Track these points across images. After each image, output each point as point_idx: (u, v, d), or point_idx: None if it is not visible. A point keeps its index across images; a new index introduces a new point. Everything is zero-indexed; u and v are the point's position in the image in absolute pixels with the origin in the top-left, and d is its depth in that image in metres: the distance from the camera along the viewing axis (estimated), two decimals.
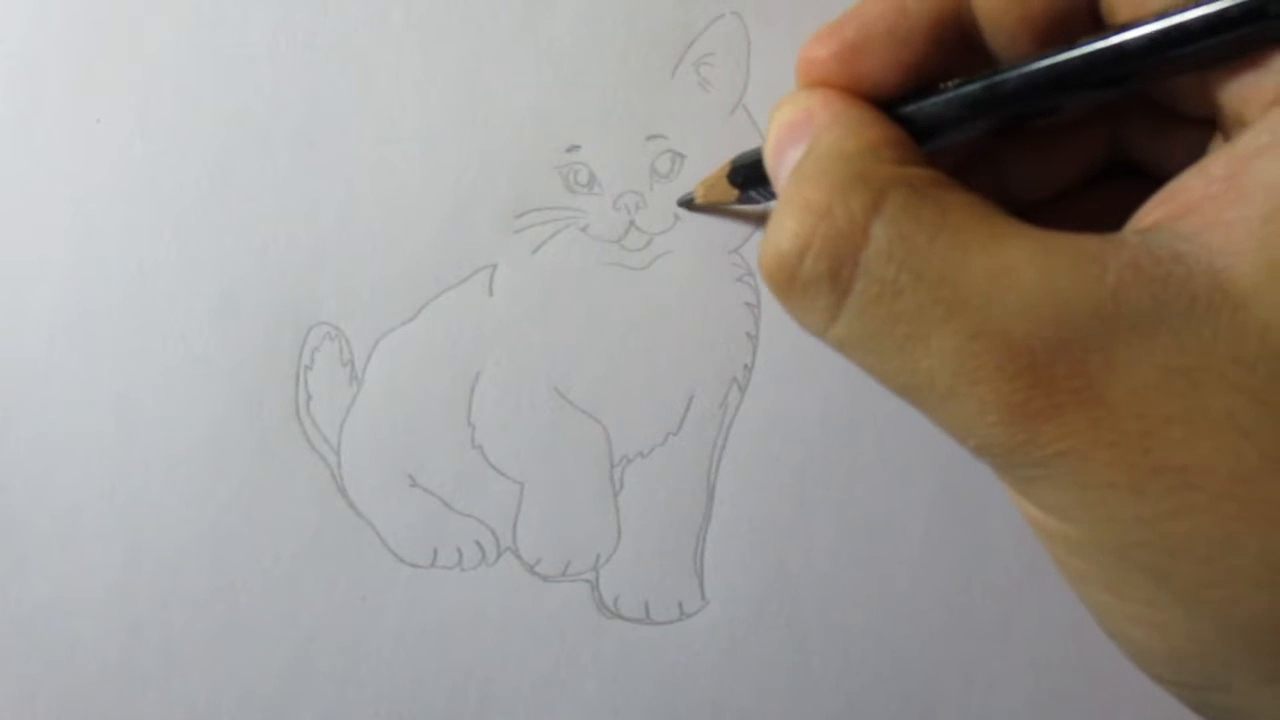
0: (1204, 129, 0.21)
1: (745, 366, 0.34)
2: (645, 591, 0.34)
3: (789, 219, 0.19)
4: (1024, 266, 0.17)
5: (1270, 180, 0.17)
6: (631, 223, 0.34)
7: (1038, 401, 0.17)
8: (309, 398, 0.34)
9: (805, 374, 0.34)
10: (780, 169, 0.22)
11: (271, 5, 0.33)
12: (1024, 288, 0.17)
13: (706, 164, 0.33)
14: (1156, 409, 0.17)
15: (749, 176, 0.29)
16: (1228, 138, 0.19)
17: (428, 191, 0.34)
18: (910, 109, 0.22)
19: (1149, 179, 0.22)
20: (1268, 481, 0.16)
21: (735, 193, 0.30)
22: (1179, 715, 0.35)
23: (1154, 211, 0.18)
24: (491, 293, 0.34)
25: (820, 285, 0.19)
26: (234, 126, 0.33)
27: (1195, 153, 0.20)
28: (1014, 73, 0.20)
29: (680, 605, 0.35)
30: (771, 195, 0.29)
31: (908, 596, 0.34)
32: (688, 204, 0.33)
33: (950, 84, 0.21)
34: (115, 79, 0.33)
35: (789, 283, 0.19)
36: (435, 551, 0.34)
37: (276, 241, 0.34)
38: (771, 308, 0.34)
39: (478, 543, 0.34)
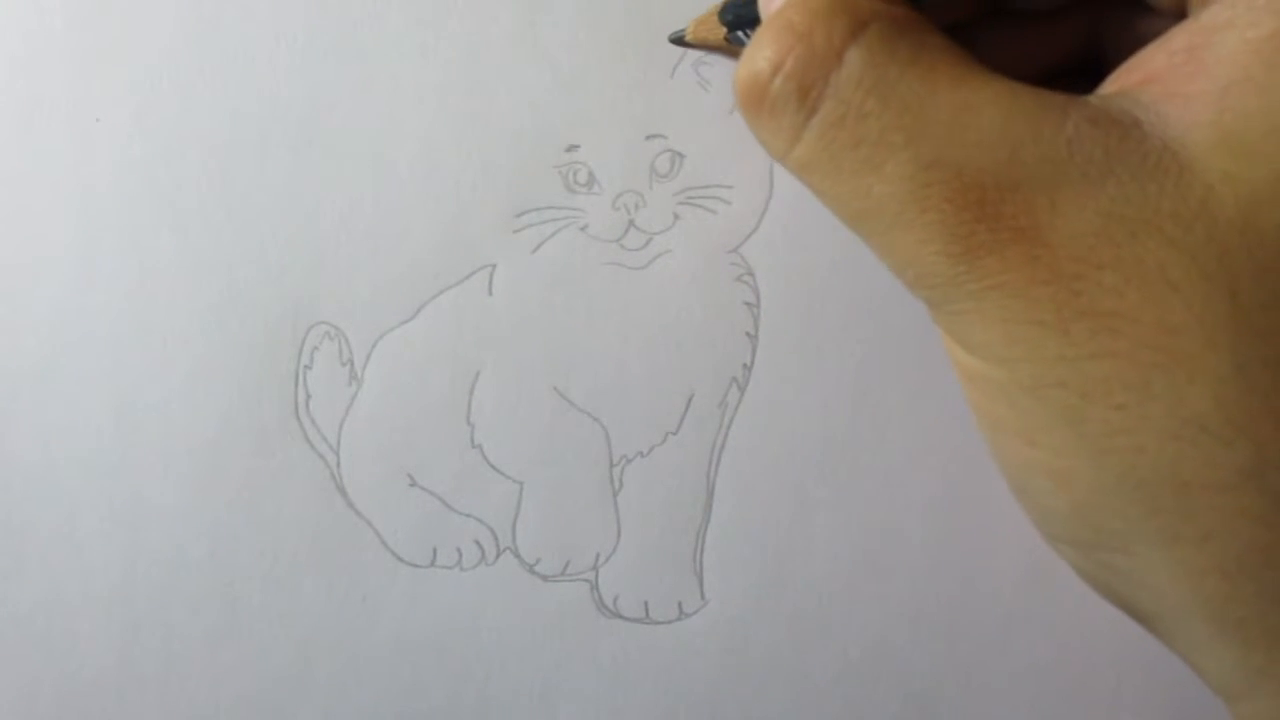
0: (1176, 21, 0.21)
1: (745, 366, 0.34)
2: (645, 591, 0.34)
3: (768, 38, 0.19)
4: (987, 106, 0.18)
5: (1228, 55, 0.17)
6: (631, 222, 0.34)
7: (981, 235, 0.18)
8: (308, 397, 0.34)
9: (805, 374, 0.34)
10: (772, 3, 0.22)
11: (271, 5, 0.33)
12: (984, 125, 0.18)
13: (706, 164, 0.33)
14: (1093, 254, 0.17)
15: (739, 15, 0.29)
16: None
17: (427, 191, 0.34)
18: None
19: None
20: (1188, 337, 0.17)
21: (723, 32, 0.30)
22: (1179, 715, 0.34)
23: (1117, 81, 0.19)
24: (491, 292, 0.34)
25: (788, 104, 0.19)
26: (234, 126, 0.33)
27: None
28: None
29: (680, 605, 0.35)
30: None
31: (908, 596, 0.34)
32: (679, 40, 0.33)
33: None
34: (115, 79, 0.33)
35: (759, 101, 0.20)
36: (435, 551, 0.34)
37: (276, 241, 0.34)
38: (771, 308, 0.34)
39: (477, 542, 0.34)
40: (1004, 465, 0.20)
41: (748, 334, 0.34)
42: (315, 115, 0.33)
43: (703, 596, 0.34)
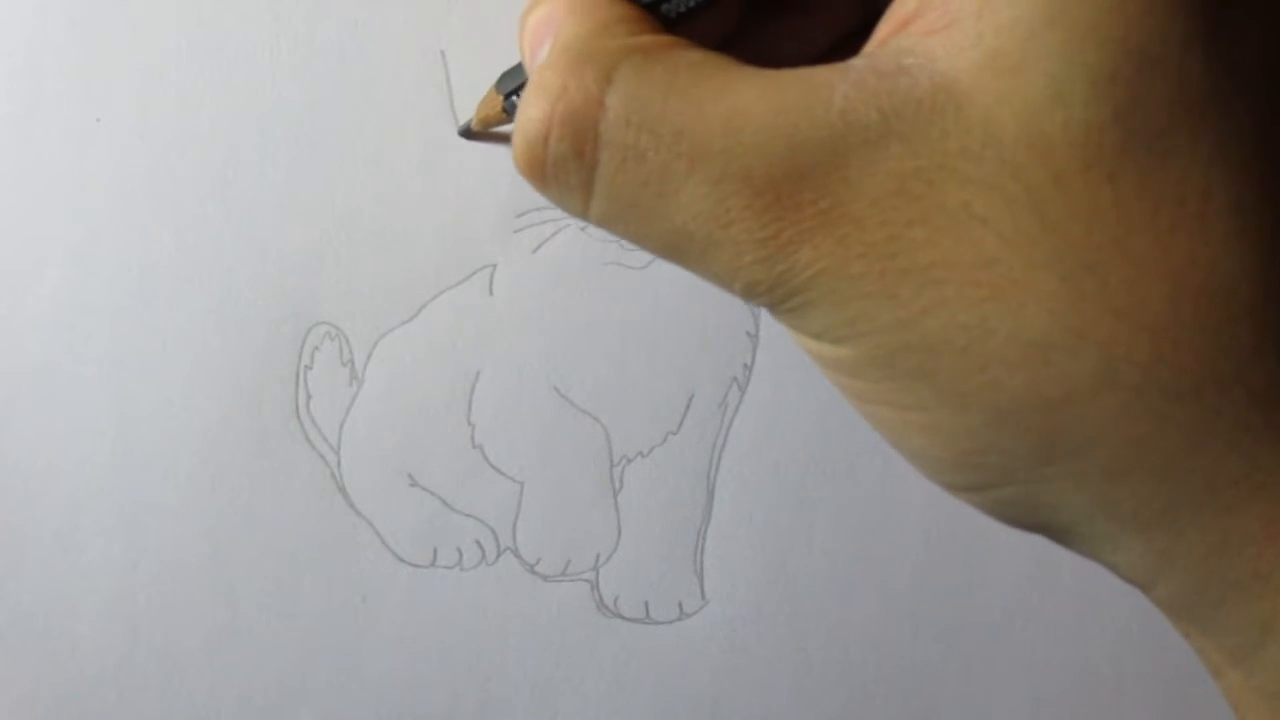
0: None
1: (745, 366, 0.34)
2: (645, 591, 0.34)
3: (531, 106, 0.19)
4: (755, 106, 0.18)
5: None
6: None
7: (787, 231, 0.18)
8: (309, 397, 0.34)
9: (805, 374, 0.34)
10: (534, 69, 0.22)
11: (271, 5, 0.33)
12: (756, 126, 0.18)
13: None
14: (898, 214, 0.17)
15: (516, 84, 0.29)
16: None
17: (427, 191, 0.34)
18: None
19: None
20: (1007, 263, 0.17)
21: (504, 108, 0.30)
22: (1180, 715, 0.35)
23: (879, 34, 0.19)
24: (491, 292, 0.34)
25: (568, 164, 0.19)
26: (234, 126, 0.33)
27: None
28: None
29: (680, 605, 0.35)
30: None
31: (908, 596, 0.34)
32: (467, 133, 0.33)
33: None
34: (115, 79, 0.33)
35: (540, 168, 0.20)
36: (435, 551, 0.34)
37: (276, 241, 0.34)
38: None
39: (478, 542, 0.34)
40: (879, 430, 0.20)
41: (748, 334, 0.34)
42: (315, 115, 0.33)
43: (703, 596, 0.34)
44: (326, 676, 0.34)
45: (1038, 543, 0.26)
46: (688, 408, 0.34)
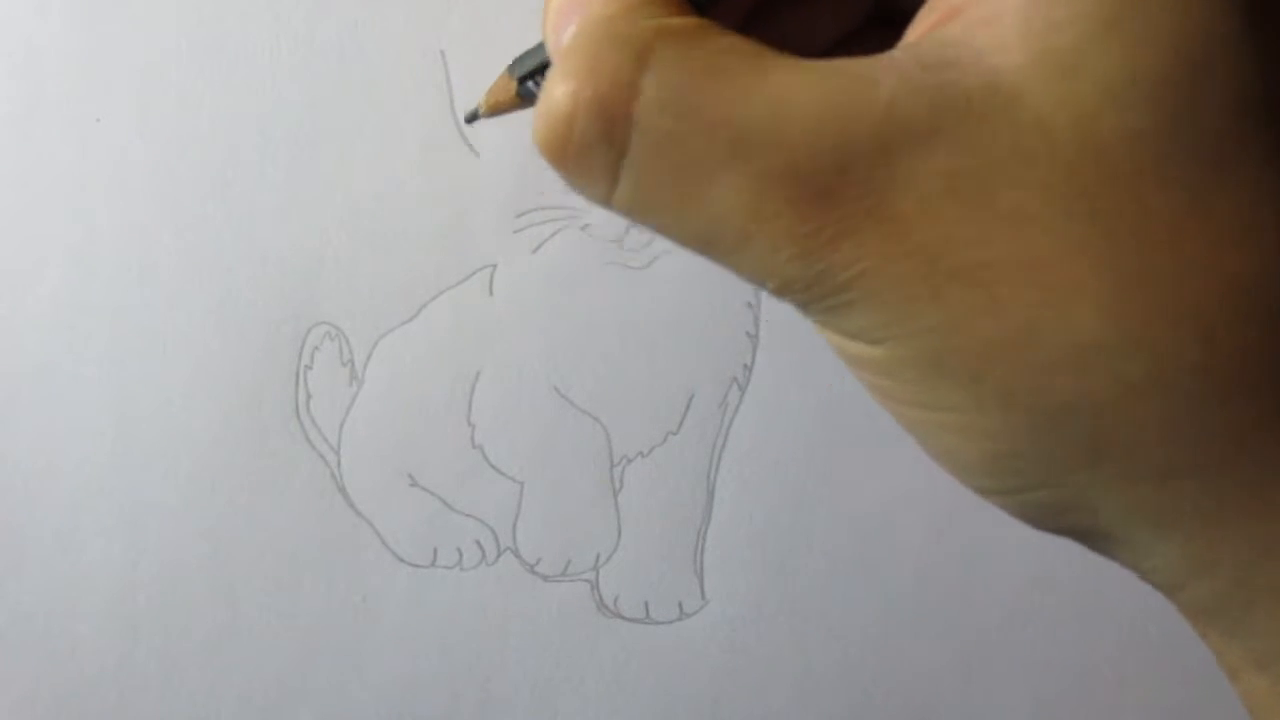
0: None
1: (745, 366, 0.34)
2: (645, 591, 0.34)
3: (557, 85, 0.19)
4: (799, 97, 0.17)
5: None
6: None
7: (830, 228, 0.17)
8: (309, 397, 0.34)
9: (805, 374, 0.34)
10: (560, 45, 0.22)
11: (271, 5, 0.33)
12: (802, 117, 0.17)
13: None
14: (946, 214, 0.17)
15: (531, 68, 0.29)
16: None
17: (427, 191, 0.34)
18: None
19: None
20: (1059, 265, 0.17)
21: (519, 93, 0.29)
22: (1180, 715, 0.35)
23: (921, 24, 0.18)
24: (491, 293, 0.34)
25: (596, 147, 0.19)
26: (234, 127, 0.33)
27: None
28: None
29: (680, 605, 0.35)
30: None
31: (908, 596, 0.34)
32: (474, 118, 0.33)
33: None
34: (115, 79, 0.33)
35: (563, 150, 0.19)
36: (435, 551, 0.34)
37: (276, 241, 0.34)
38: (772, 307, 0.34)
39: (478, 542, 0.34)
40: (910, 430, 0.20)
41: (748, 334, 0.34)
42: (315, 115, 0.33)
43: (703, 596, 0.34)
44: (326, 676, 0.34)
45: (1038, 543, 0.26)
46: (688, 408, 0.34)
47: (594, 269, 0.34)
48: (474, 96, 0.34)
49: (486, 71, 0.35)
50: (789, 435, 0.34)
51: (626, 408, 0.34)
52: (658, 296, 0.34)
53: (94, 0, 0.33)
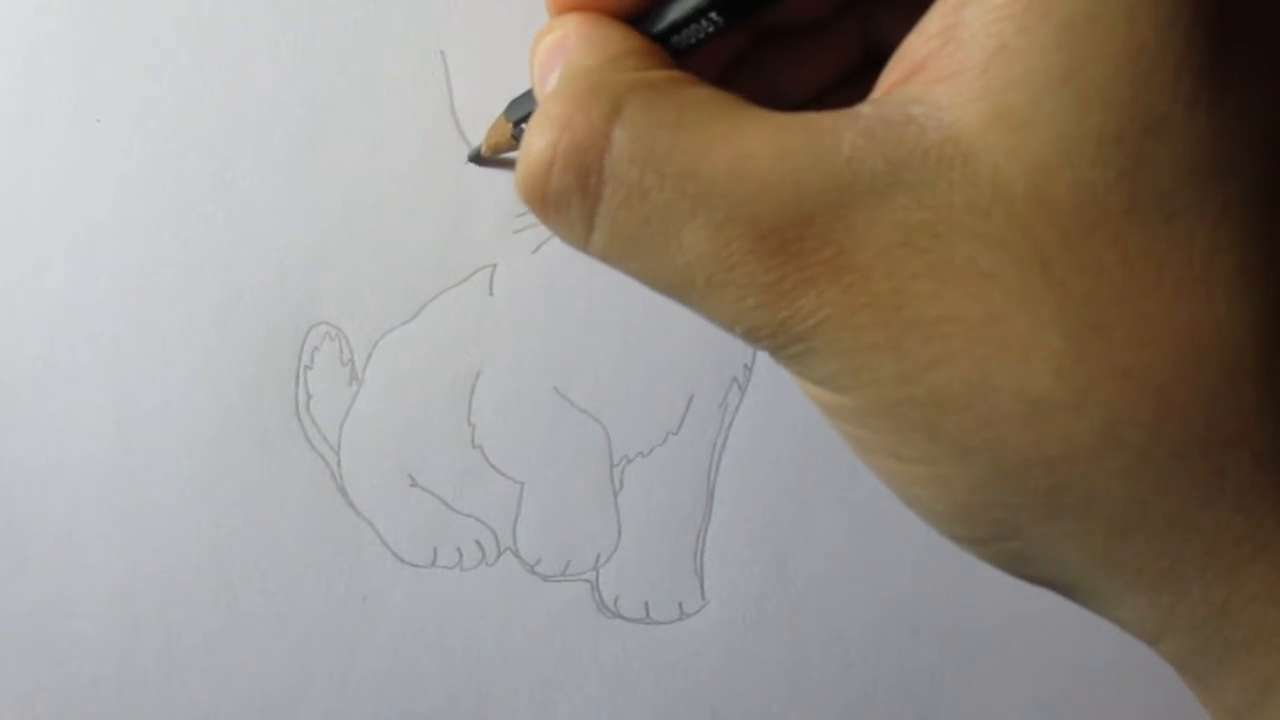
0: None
1: (745, 366, 0.34)
2: (645, 591, 0.34)
3: (536, 136, 0.19)
4: (761, 150, 0.18)
5: (981, 28, 0.17)
6: None
7: (791, 278, 0.18)
8: (309, 397, 0.34)
9: None
10: (544, 93, 0.22)
11: (271, 5, 0.33)
12: (762, 170, 0.18)
13: None
14: (904, 266, 0.17)
15: (526, 112, 0.29)
16: None
17: (427, 191, 0.34)
18: (662, 25, 0.22)
19: None
20: (1012, 319, 0.17)
21: (514, 135, 0.30)
22: (1179, 715, 0.35)
23: (887, 79, 0.19)
24: (491, 292, 0.34)
25: (571, 196, 0.19)
26: (234, 126, 0.33)
27: None
28: None
29: (680, 605, 0.35)
30: None
31: (908, 597, 0.34)
32: (477, 158, 0.33)
33: None
34: (115, 79, 0.33)
35: (542, 198, 0.20)
36: (435, 551, 0.34)
37: (276, 241, 0.34)
38: None
39: (478, 542, 0.34)
40: (883, 480, 0.20)
41: None
42: (315, 115, 0.33)
43: (703, 597, 0.34)
44: (326, 676, 0.34)
45: None
46: (688, 408, 0.34)
47: (594, 269, 0.34)
48: (474, 97, 0.34)
49: (486, 72, 0.35)
50: (789, 435, 0.34)
51: (626, 408, 0.34)
52: (658, 297, 0.34)
53: (94, 0, 0.33)
